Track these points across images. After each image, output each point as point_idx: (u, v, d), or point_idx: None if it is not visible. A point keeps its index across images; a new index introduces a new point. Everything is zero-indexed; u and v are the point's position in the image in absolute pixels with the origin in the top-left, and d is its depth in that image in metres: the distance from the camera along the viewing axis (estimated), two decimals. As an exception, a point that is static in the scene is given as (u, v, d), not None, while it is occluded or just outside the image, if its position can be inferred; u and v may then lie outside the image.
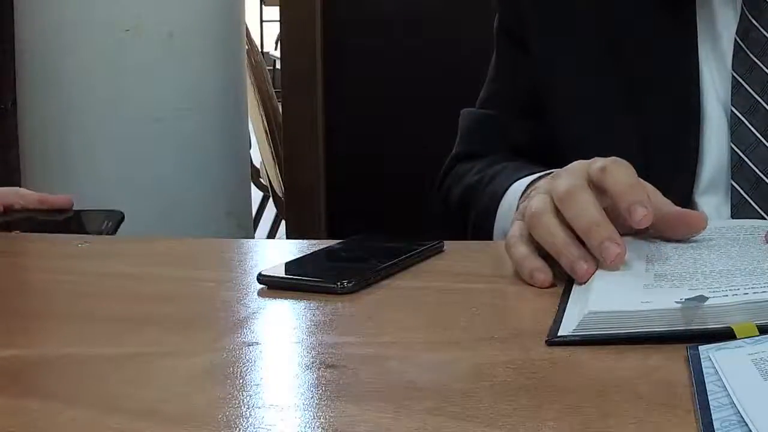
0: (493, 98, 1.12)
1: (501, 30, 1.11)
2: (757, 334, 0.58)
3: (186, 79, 2.01)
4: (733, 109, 0.93)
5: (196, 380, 0.58)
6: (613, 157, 0.74)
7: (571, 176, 0.73)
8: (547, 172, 0.90)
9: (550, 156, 1.00)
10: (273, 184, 3.30)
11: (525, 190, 0.91)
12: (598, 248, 0.69)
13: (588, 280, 0.69)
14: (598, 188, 0.72)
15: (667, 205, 0.75)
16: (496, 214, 0.97)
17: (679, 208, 0.75)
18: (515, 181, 0.95)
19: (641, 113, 0.97)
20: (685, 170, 0.94)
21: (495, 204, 0.97)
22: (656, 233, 0.76)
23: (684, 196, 0.94)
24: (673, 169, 0.94)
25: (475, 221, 1.02)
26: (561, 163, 0.86)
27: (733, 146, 0.92)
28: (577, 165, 0.75)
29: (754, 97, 0.92)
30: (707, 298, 0.61)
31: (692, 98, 0.95)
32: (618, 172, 0.71)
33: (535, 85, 1.05)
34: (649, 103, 0.97)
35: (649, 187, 0.74)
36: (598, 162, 0.73)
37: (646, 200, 0.70)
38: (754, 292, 0.62)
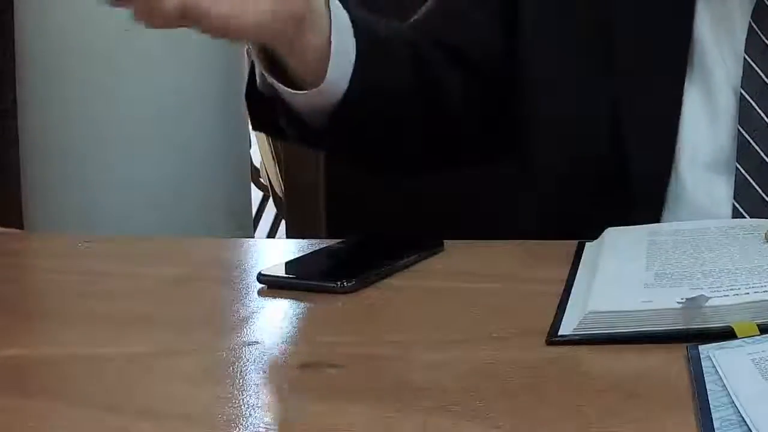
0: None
1: None
2: (758, 333, 0.58)
3: (186, 79, 2.01)
4: (743, 92, 0.93)
5: (196, 380, 0.58)
6: None
7: None
8: None
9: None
10: (273, 184, 3.30)
11: None
12: None
13: None
14: None
15: None
16: None
17: None
18: None
19: (621, 91, 0.97)
20: (662, 150, 0.94)
21: None
22: None
23: (661, 173, 0.94)
24: (650, 147, 0.95)
25: None
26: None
27: (740, 128, 0.92)
28: None
29: (766, 81, 0.92)
30: (708, 297, 0.61)
31: (678, 78, 0.95)
32: None
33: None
34: (630, 82, 0.97)
35: None
36: None
37: None
38: (755, 292, 0.62)
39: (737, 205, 0.91)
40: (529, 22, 1.02)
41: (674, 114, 0.94)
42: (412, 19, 1.07)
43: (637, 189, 0.94)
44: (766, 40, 0.93)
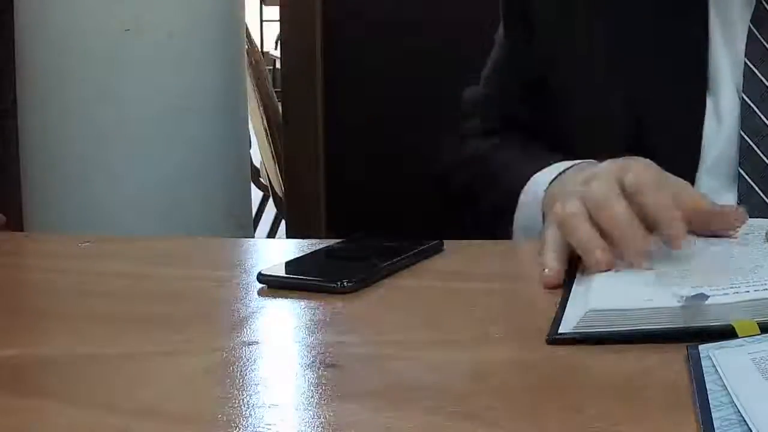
0: (497, 76, 1.12)
1: (506, 6, 1.11)
2: (759, 332, 0.58)
3: (186, 79, 2.01)
4: (745, 97, 0.93)
5: (196, 380, 0.58)
6: (639, 160, 0.75)
7: (604, 183, 0.74)
8: (569, 165, 0.91)
9: (551, 132, 1.03)
10: (273, 184, 3.30)
11: (550, 184, 0.91)
12: (631, 256, 0.70)
13: (602, 268, 0.70)
14: (633, 203, 0.72)
15: (698, 199, 0.75)
16: (515, 208, 0.97)
17: (713, 205, 0.76)
18: (535, 173, 0.95)
19: (644, 95, 0.97)
20: (687, 155, 0.94)
21: (514, 198, 0.97)
22: (689, 228, 0.76)
23: (688, 179, 0.94)
24: (674, 152, 0.94)
25: (490, 214, 1.02)
26: (562, 140, 0.96)
27: (742, 134, 0.92)
28: (608, 168, 0.76)
29: (767, 86, 0.92)
30: (708, 296, 0.61)
31: (700, 82, 0.95)
32: (655, 194, 0.72)
33: (537, 65, 1.05)
34: (652, 85, 0.97)
35: (680, 183, 0.76)
36: (629, 172, 0.74)
37: (682, 228, 0.71)
38: (755, 290, 0.62)
39: None
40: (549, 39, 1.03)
41: (697, 118, 0.94)
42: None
43: None
44: (766, 45, 0.93)
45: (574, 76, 1.01)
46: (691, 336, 0.59)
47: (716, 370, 0.53)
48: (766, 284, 0.63)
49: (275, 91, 3.33)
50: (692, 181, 0.93)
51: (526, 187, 0.96)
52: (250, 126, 2.69)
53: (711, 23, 0.95)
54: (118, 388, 0.57)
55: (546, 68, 1.04)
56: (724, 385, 0.51)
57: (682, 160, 0.94)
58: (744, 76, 0.93)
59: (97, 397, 0.55)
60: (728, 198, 0.93)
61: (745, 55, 0.93)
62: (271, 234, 3.61)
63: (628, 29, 0.98)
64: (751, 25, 0.94)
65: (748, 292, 0.62)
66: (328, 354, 0.61)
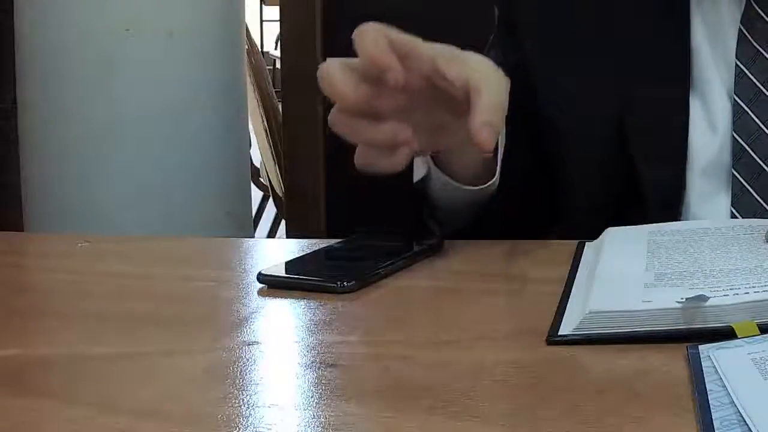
0: None
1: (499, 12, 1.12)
2: (758, 333, 0.58)
3: (186, 79, 2.01)
4: (736, 98, 0.93)
5: (196, 380, 0.58)
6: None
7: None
8: None
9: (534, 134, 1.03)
10: (273, 184, 3.30)
11: None
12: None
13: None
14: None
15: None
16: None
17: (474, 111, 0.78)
18: None
19: (627, 96, 0.97)
20: (673, 156, 0.94)
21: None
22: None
23: (675, 180, 0.94)
24: (659, 153, 0.95)
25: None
26: (544, 140, 0.97)
27: (735, 135, 0.92)
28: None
29: (758, 87, 0.92)
30: (708, 297, 0.61)
31: (682, 81, 0.95)
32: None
33: (521, 66, 1.04)
34: (635, 85, 0.97)
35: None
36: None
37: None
38: (755, 291, 0.62)
39: (735, 213, 0.91)
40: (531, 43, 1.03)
41: (681, 123, 0.94)
42: None
43: (648, 197, 0.94)
44: (756, 45, 0.93)
45: (557, 78, 1.01)
46: (691, 337, 0.59)
47: (716, 370, 0.53)
48: (766, 286, 0.63)
49: (275, 91, 3.33)
50: (684, 183, 0.94)
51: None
52: (250, 126, 2.69)
53: (696, 28, 0.96)
54: (118, 388, 0.57)
55: (528, 69, 1.03)
56: (724, 385, 0.51)
57: (669, 161, 0.94)
58: (735, 78, 0.93)
59: (97, 397, 0.56)
60: (722, 199, 0.93)
61: (736, 56, 0.93)
62: (271, 234, 3.61)
63: (610, 31, 0.98)
64: (741, 26, 0.94)
65: (747, 293, 0.62)
66: (328, 354, 0.61)
